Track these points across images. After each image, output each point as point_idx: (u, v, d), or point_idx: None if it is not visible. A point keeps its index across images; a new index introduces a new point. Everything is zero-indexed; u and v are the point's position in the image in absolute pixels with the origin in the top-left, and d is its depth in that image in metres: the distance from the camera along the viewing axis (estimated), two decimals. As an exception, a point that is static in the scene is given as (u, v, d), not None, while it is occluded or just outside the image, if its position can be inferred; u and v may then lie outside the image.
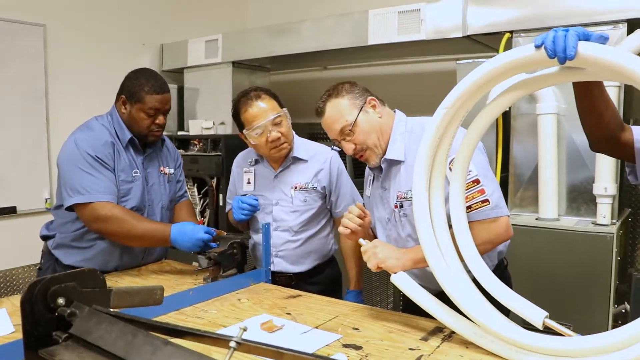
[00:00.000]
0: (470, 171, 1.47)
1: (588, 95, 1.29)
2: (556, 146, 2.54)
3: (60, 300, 0.89)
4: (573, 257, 2.40)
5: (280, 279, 2.13)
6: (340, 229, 1.63)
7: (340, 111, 1.67)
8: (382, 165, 1.69)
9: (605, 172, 2.42)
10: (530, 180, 2.69)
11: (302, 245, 2.16)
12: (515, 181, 2.73)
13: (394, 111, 1.76)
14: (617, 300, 2.53)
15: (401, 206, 1.64)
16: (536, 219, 2.60)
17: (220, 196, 3.82)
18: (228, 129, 3.89)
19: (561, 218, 2.58)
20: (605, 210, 2.43)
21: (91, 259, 2.03)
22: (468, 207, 1.46)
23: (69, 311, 0.88)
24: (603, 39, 1.11)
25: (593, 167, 2.50)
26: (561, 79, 1.24)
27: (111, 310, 0.90)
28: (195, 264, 3.46)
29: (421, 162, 1.37)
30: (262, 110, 2.04)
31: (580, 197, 2.58)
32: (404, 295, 1.88)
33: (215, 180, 3.84)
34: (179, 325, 0.76)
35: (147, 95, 2.00)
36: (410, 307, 1.70)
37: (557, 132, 2.54)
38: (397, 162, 1.66)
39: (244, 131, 2.08)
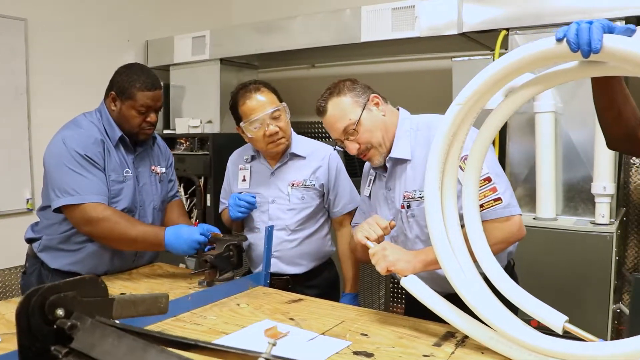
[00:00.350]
0: (481, 169, 1.41)
1: (608, 91, 1.25)
2: (554, 145, 2.51)
3: (59, 312, 0.81)
4: (572, 257, 2.38)
5: (276, 282, 2.05)
6: (359, 236, 1.51)
7: (343, 110, 1.60)
8: (387, 165, 1.63)
9: (603, 171, 2.40)
10: (526, 179, 2.66)
11: (299, 245, 2.09)
12: (512, 180, 2.69)
13: (397, 109, 1.71)
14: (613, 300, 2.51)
15: (408, 206, 1.58)
16: (534, 218, 2.57)
17: (208, 196, 3.74)
18: (216, 127, 3.80)
19: (559, 218, 2.55)
20: (604, 210, 2.41)
21: (80, 262, 1.93)
22: (480, 206, 1.41)
23: (69, 323, 0.80)
24: (630, 32, 1.06)
25: (590, 166, 2.48)
26: (581, 74, 1.20)
27: (117, 322, 0.82)
28: (182, 265, 3.37)
29: (434, 160, 1.32)
30: (261, 103, 1.99)
31: (577, 196, 2.55)
32: (408, 298, 1.84)
33: (202, 179, 3.75)
34: (201, 340, 0.69)
35: (138, 91, 1.91)
36: (413, 310, 1.65)
37: (554, 130, 2.51)
38: (403, 161, 1.61)
39: (241, 124, 2.02)
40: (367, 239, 1.49)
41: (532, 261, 2.44)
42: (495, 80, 1.23)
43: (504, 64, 1.20)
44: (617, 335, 2.77)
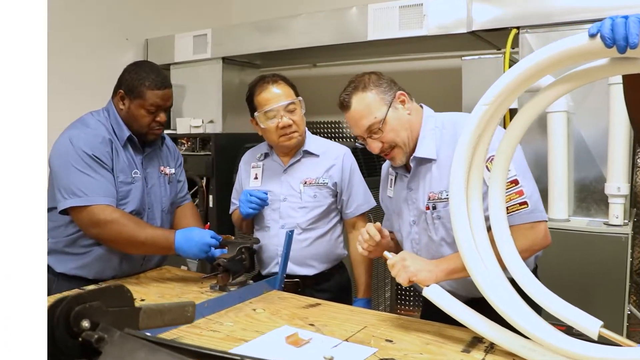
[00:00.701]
0: (508, 170, 1.37)
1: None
2: (566, 145, 2.47)
3: (85, 323, 0.76)
4: (586, 258, 2.34)
5: (286, 284, 2.00)
6: (359, 250, 1.57)
7: (368, 106, 1.54)
8: (411, 164, 1.58)
9: (617, 171, 2.36)
10: (538, 180, 2.57)
11: (310, 245, 2.04)
12: (522, 181, 2.66)
13: (421, 106, 1.66)
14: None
15: (434, 207, 1.53)
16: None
17: (211, 197, 3.68)
18: (218, 127, 3.75)
19: (571, 219, 2.52)
20: (618, 211, 2.37)
21: (87, 266, 1.88)
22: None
23: (96, 336, 0.75)
24: (668, 26, 1.02)
25: (603, 166, 2.45)
26: (613, 71, 1.17)
27: (148, 334, 0.77)
28: (183, 267, 3.31)
29: (460, 161, 1.28)
30: (276, 95, 1.99)
31: (590, 197, 2.52)
32: (426, 303, 1.79)
33: (204, 180, 3.69)
34: (247, 355, 0.64)
35: (147, 90, 1.86)
36: (428, 314, 1.61)
37: (567, 130, 2.48)
38: (428, 161, 1.56)
39: (255, 114, 2.00)
40: (368, 251, 1.54)
41: (544, 263, 2.40)
42: (522, 79, 1.20)
43: (532, 62, 1.17)
44: (628, 336, 2.74)
